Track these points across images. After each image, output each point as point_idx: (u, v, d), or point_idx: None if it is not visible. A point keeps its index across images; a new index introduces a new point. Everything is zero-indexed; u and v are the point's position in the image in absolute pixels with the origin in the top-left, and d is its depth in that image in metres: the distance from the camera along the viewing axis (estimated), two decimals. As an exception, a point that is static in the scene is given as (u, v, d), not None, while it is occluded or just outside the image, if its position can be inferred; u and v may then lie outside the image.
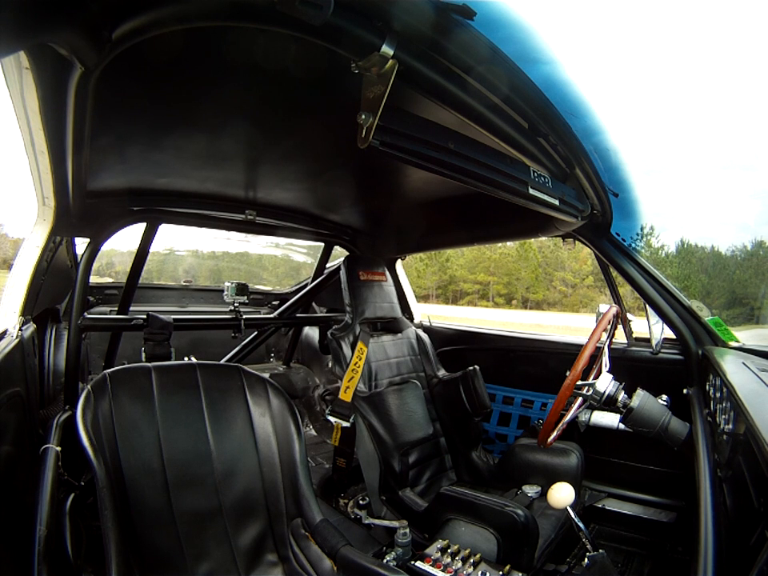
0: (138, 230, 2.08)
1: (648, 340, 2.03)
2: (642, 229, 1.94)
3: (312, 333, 3.43)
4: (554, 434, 1.59)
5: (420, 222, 2.46)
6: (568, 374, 1.49)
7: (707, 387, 1.56)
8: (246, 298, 2.35)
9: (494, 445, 2.51)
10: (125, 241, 2.28)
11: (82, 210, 1.57)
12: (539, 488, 1.86)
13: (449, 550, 1.41)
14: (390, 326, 2.38)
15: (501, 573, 1.32)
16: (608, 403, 1.54)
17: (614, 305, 1.73)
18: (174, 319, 1.76)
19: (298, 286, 3.56)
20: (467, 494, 1.56)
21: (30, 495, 1.16)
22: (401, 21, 0.82)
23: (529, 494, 1.84)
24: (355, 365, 2.05)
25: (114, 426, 1.19)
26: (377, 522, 1.85)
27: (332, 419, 2.01)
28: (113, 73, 0.82)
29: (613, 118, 1.25)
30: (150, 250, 2.18)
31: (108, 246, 1.98)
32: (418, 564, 1.37)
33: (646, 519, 1.97)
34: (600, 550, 1.42)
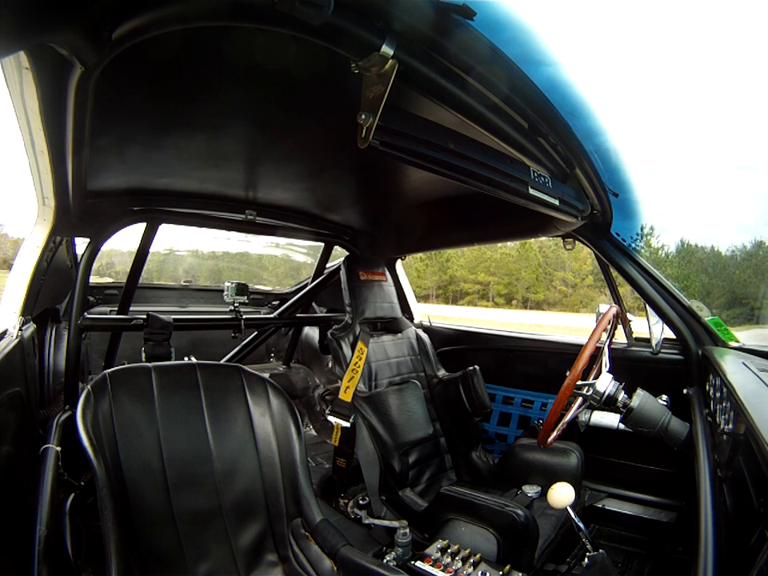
0: (138, 229, 2.09)
1: (648, 340, 2.03)
2: (642, 229, 1.94)
3: (312, 333, 3.43)
4: (554, 434, 1.59)
5: (420, 222, 2.46)
6: (568, 374, 1.49)
7: (707, 387, 1.56)
8: (245, 298, 2.35)
9: (494, 445, 2.51)
10: (125, 241, 2.28)
11: (82, 210, 1.57)
12: (539, 488, 1.86)
13: (449, 550, 1.41)
14: (390, 326, 2.38)
15: (501, 573, 1.32)
16: (608, 403, 1.54)
17: (613, 305, 1.73)
18: (174, 319, 1.76)
19: (297, 286, 3.56)
20: (467, 494, 1.56)
21: (30, 495, 1.16)
22: (401, 21, 0.82)
23: (529, 494, 1.84)
24: (355, 365, 2.05)
25: (114, 426, 1.19)
26: (377, 522, 1.85)
27: (332, 419, 2.01)
28: (113, 73, 0.82)
29: (615, 120, 1.25)
30: (150, 250, 2.18)
31: (108, 246, 1.99)
32: (418, 564, 1.38)
33: (646, 519, 1.97)
34: (600, 550, 1.42)
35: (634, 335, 2.16)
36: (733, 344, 1.77)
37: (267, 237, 3.31)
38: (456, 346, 2.77)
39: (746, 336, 1.81)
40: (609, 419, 1.78)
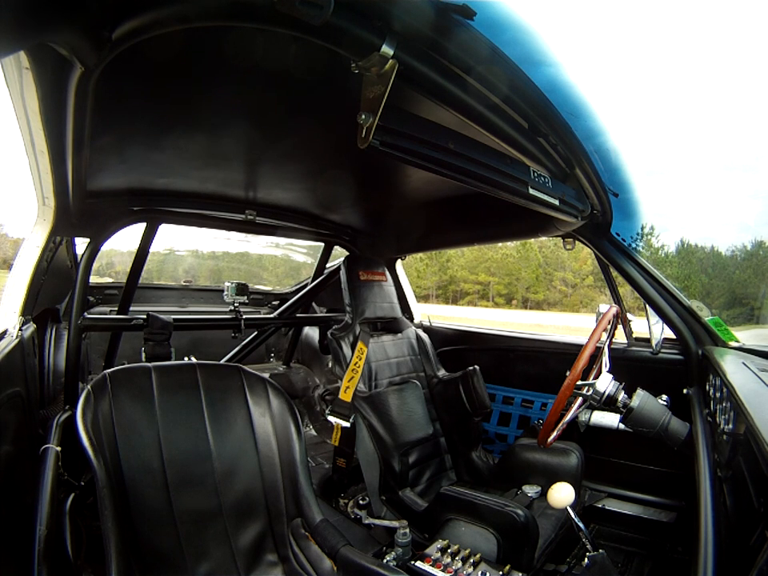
0: (138, 229, 2.09)
1: (648, 340, 2.03)
2: (642, 229, 1.94)
3: (312, 333, 3.43)
4: (554, 434, 1.59)
5: (420, 222, 2.46)
6: (568, 374, 1.49)
7: (707, 387, 1.56)
8: (245, 297, 2.35)
9: (494, 445, 2.51)
10: (125, 241, 2.28)
11: (82, 210, 1.57)
12: (539, 488, 1.86)
13: (449, 550, 1.41)
14: (390, 326, 2.38)
15: (501, 573, 1.32)
16: (608, 403, 1.54)
17: (613, 305, 1.73)
18: (174, 319, 1.76)
19: (297, 286, 3.56)
20: (467, 494, 1.55)
21: (29, 495, 1.16)
22: (401, 21, 0.82)
23: (529, 494, 1.84)
24: (355, 365, 2.05)
25: (114, 426, 1.19)
26: (377, 522, 1.85)
27: (332, 419, 2.01)
28: (113, 72, 0.82)
29: (615, 120, 1.25)
30: (150, 250, 2.18)
31: (108, 246, 1.99)
32: (418, 564, 1.38)
33: (646, 519, 1.97)
34: (600, 550, 1.42)
35: (633, 335, 2.16)
36: (733, 344, 1.77)
37: (267, 237, 3.31)
38: (456, 346, 2.77)
39: (746, 336, 1.81)
40: (609, 419, 1.78)
